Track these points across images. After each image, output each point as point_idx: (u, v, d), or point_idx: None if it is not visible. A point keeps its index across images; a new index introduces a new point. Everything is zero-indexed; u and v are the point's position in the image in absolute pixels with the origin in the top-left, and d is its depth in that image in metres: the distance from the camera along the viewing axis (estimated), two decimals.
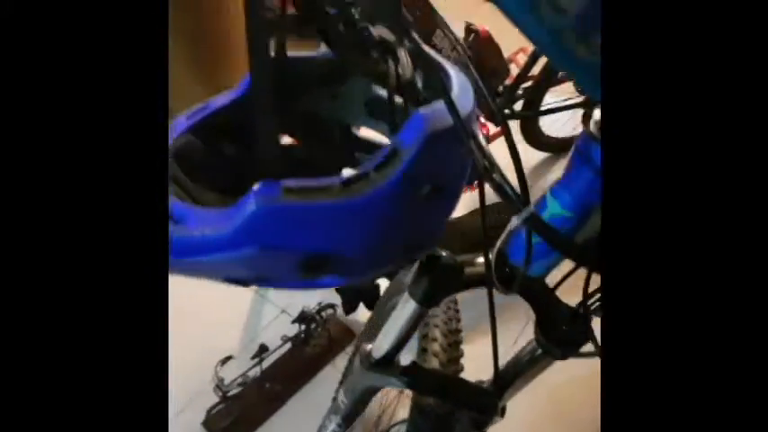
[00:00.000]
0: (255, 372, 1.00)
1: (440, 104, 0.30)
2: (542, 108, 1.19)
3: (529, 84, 1.15)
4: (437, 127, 0.28)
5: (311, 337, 1.06)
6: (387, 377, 0.48)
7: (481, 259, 0.40)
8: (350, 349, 1.08)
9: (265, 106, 0.28)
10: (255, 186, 0.28)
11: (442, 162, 0.30)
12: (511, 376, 0.45)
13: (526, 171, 0.35)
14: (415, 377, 0.46)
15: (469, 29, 0.96)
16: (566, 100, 1.19)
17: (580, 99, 1.14)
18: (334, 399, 0.55)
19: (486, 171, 0.26)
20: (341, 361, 1.09)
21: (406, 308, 0.43)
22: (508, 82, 1.10)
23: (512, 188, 0.26)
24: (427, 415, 0.46)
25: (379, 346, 0.47)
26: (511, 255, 0.38)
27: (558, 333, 0.40)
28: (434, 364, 0.48)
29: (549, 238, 0.28)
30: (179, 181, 0.36)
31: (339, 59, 0.39)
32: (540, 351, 0.43)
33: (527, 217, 0.26)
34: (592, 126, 0.31)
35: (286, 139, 0.44)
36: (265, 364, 1.01)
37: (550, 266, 0.37)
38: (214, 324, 1.12)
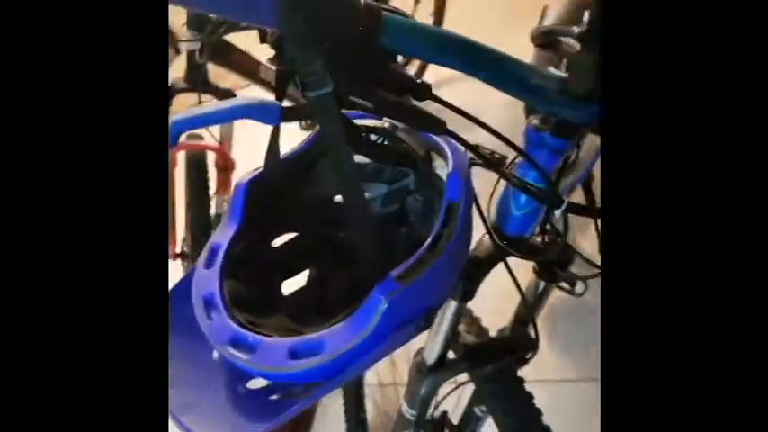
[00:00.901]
0: None
1: (451, 156, 0.40)
2: None
3: None
4: (466, 174, 0.38)
5: None
6: (445, 374, 0.58)
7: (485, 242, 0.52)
8: None
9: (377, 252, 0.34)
10: (375, 289, 0.34)
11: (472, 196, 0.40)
12: (528, 313, 0.60)
13: None
14: (470, 359, 0.57)
15: None
16: None
17: None
18: (400, 414, 0.64)
19: (519, 183, 0.37)
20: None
21: (447, 310, 0.53)
22: None
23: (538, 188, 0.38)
24: (493, 378, 0.58)
25: (431, 350, 0.57)
26: (506, 229, 0.51)
27: (552, 264, 0.55)
28: (471, 340, 0.60)
29: (578, 210, 0.41)
30: (258, 323, 0.39)
31: (312, 149, 0.46)
32: (543, 285, 0.58)
33: (566, 207, 0.38)
34: (535, 122, 0.44)
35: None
36: None
37: (535, 226, 0.51)
38: None
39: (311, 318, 0.44)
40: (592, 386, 1.13)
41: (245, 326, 0.38)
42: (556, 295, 0.62)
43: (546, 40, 0.46)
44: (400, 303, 0.35)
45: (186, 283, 0.44)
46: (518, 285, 0.52)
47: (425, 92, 0.34)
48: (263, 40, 0.33)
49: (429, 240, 0.37)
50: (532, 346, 0.58)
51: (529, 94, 0.35)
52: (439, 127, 0.34)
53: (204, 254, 0.43)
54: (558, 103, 0.36)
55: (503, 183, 0.50)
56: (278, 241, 0.49)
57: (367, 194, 0.52)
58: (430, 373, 0.58)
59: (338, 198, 0.52)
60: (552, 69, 0.41)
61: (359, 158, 0.48)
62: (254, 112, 0.36)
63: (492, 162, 0.38)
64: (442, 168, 0.43)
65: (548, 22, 0.50)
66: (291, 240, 0.49)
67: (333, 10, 0.28)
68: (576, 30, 0.42)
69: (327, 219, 0.51)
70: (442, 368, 0.58)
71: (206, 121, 0.35)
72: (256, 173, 0.45)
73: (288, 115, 0.36)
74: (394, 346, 0.38)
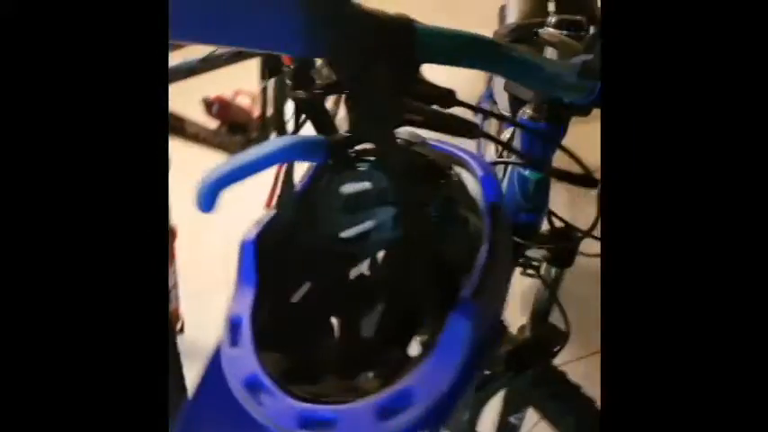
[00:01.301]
0: None
1: (474, 160, 0.39)
2: None
3: None
4: (495, 174, 0.38)
5: None
6: (489, 390, 0.57)
7: None
8: None
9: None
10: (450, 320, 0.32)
11: None
12: (548, 304, 0.60)
13: None
14: (514, 368, 0.56)
15: (207, 102, 0.98)
16: None
17: None
18: None
19: (557, 174, 0.38)
20: None
21: None
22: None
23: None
24: (539, 382, 0.58)
25: None
26: (517, 222, 0.51)
27: (557, 248, 0.56)
28: (505, 348, 0.59)
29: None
30: (315, 393, 0.35)
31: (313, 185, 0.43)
32: (553, 271, 0.58)
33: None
34: (529, 112, 0.45)
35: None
36: None
37: (544, 215, 0.52)
38: None
39: (365, 369, 0.41)
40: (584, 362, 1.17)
41: (310, 400, 0.34)
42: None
43: (519, 35, 0.47)
44: (481, 324, 0.33)
45: (212, 373, 0.39)
46: (541, 277, 0.52)
47: (451, 98, 0.33)
48: (266, 75, 0.30)
49: (487, 247, 0.35)
50: (563, 337, 0.58)
51: (550, 84, 0.36)
52: (475, 130, 0.34)
53: (225, 332, 0.38)
54: (572, 89, 0.37)
55: (506, 177, 0.50)
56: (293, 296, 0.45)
57: (376, 220, 0.50)
58: (474, 395, 0.56)
59: (343, 234, 0.49)
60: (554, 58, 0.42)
61: (362, 185, 0.45)
62: (302, 151, 0.33)
63: (524, 156, 0.38)
64: (461, 174, 0.42)
65: (511, 19, 0.52)
66: (308, 293, 0.46)
67: (372, 26, 0.26)
68: (552, 20, 0.44)
69: (336, 258, 0.48)
70: (483, 386, 0.56)
71: (249, 170, 0.31)
72: (261, 225, 0.41)
73: (335, 149, 0.34)
74: (480, 375, 0.36)
